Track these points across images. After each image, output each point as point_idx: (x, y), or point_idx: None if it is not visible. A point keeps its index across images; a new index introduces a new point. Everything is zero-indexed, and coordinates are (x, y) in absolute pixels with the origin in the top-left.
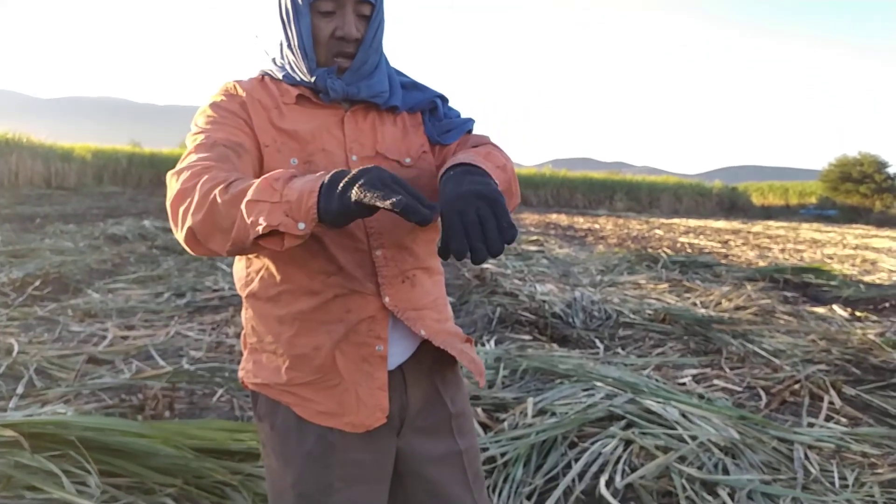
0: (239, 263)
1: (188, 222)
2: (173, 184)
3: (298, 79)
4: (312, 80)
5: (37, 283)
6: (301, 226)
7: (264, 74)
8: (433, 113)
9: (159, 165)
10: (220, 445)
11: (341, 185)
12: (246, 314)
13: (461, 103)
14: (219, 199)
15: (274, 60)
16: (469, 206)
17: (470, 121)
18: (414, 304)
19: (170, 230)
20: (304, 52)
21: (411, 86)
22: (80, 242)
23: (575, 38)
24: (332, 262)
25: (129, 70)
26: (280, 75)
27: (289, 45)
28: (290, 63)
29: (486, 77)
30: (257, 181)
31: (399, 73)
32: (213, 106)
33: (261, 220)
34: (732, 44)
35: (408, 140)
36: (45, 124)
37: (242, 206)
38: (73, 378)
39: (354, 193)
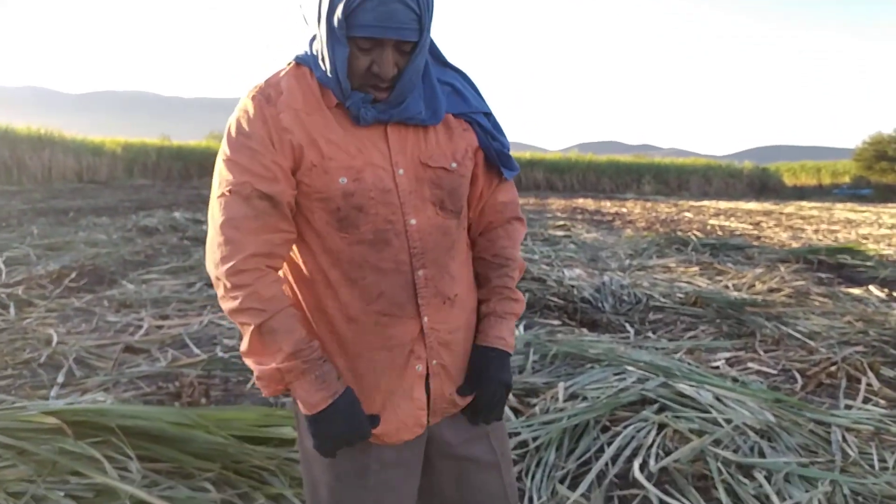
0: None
1: (220, 293)
2: (215, 233)
3: (332, 85)
4: (347, 103)
5: (73, 275)
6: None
7: (301, 63)
8: (481, 126)
9: (187, 157)
10: (256, 431)
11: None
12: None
13: (488, 88)
14: (248, 329)
15: (316, 50)
16: (500, 393)
17: (518, 169)
18: (449, 325)
19: (200, 221)
20: (337, 78)
21: (457, 92)
22: (113, 235)
23: (600, 20)
24: (372, 289)
25: (156, 64)
26: (318, 73)
27: (322, 59)
28: (324, 64)
29: (512, 61)
30: (278, 365)
31: (453, 68)
32: (252, 122)
33: (262, 390)
34: (760, 26)
35: (453, 143)
36: (76, 119)
37: (255, 373)
38: (111, 367)
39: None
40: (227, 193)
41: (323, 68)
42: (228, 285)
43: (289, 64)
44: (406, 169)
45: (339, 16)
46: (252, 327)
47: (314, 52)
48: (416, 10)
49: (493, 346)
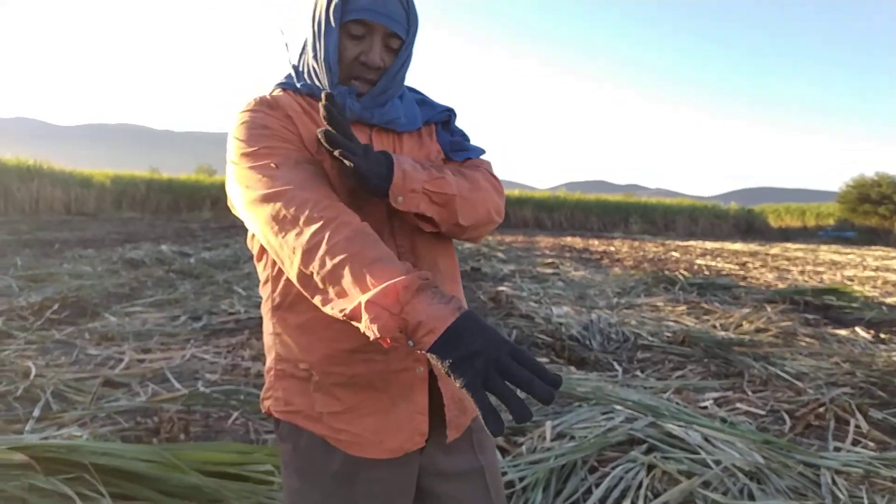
0: (265, 286)
1: (298, 257)
2: (272, 208)
3: (316, 87)
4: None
5: (55, 307)
6: (410, 343)
7: (285, 88)
8: (445, 126)
9: (177, 190)
10: (236, 469)
11: (467, 355)
12: (273, 338)
13: (478, 126)
14: (328, 264)
15: (295, 67)
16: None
17: (481, 150)
18: None
19: (187, 254)
20: (328, 66)
21: (422, 102)
22: (98, 267)
23: (590, 61)
24: None
25: (148, 97)
26: (299, 85)
27: (314, 56)
28: (311, 70)
29: (502, 101)
30: (383, 283)
31: (411, 90)
32: (263, 119)
33: (375, 329)
34: (740, 65)
35: (424, 149)
36: (66, 151)
37: (362, 301)
38: (89, 401)
39: (480, 378)
40: (274, 167)
41: (309, 72)
42: (310, 232)
43: (273, 90)
44: None
45: (337, 1)
46: (346, 256)
47: (301, 67)
48: (405, 7)
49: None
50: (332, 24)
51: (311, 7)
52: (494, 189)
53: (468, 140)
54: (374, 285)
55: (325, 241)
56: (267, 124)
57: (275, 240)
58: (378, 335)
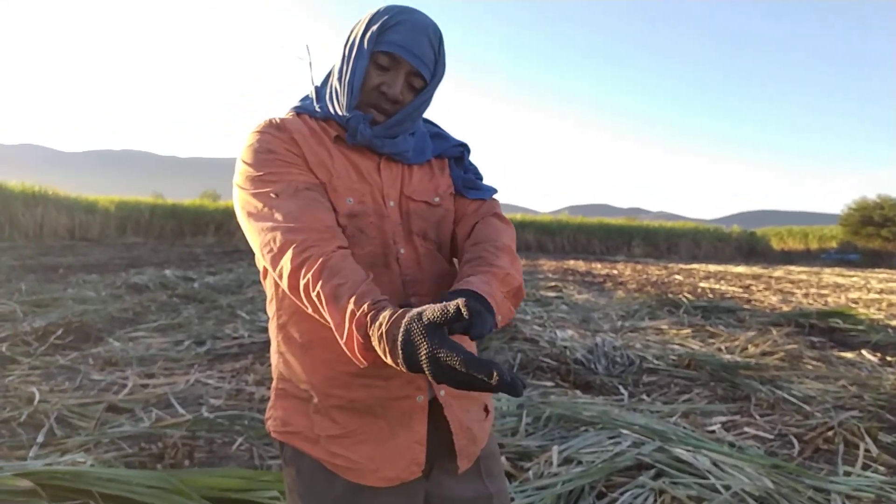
0: (271, 304)
1: (288, 279)
2: (272, 237)
3: (333, 112)
4: (348, 116)
5: (59, 332)
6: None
7: (299, 112)
8: (458, 161)
9: (181, 216)
10: (241, 494)
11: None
12: (277, 357)
13: (481, 150)
14: (322, 302)
15: (316, 89)
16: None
17: (493, 190)
18: None
19: (191, 279)
20: (350, 88)
21: (436, 135)
22: (102, 292)
23: (589, 87)
24: None
25: (153, 124)
26: (317, 107)
27: (339, 78)
28: (333, 92)
29: (504, 125)
30: (339, 321)
31: (427, 121)
32: (270, 142)
33: (358, 356)
34: (740, 89)
35: (434, 181)
36: (71, 177)
37: (344, 331)
38: (93, 427)
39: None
40: (274, 196)
41: (330, 94)
42: (297, 263)
43: (288, 113)
44: (395, 201)
45: (374, 30)
46: (318, 290)
47: (314, 87)
48: (436, 52)
49: (472, 290)
50: (364, 50)
51: (347, 31)
52: (512, 239)
53: (481, 178)
54: (338, 324)
55: (302, 276)
56: (272, 148)
57: (269, 266)
58: (361, 361)
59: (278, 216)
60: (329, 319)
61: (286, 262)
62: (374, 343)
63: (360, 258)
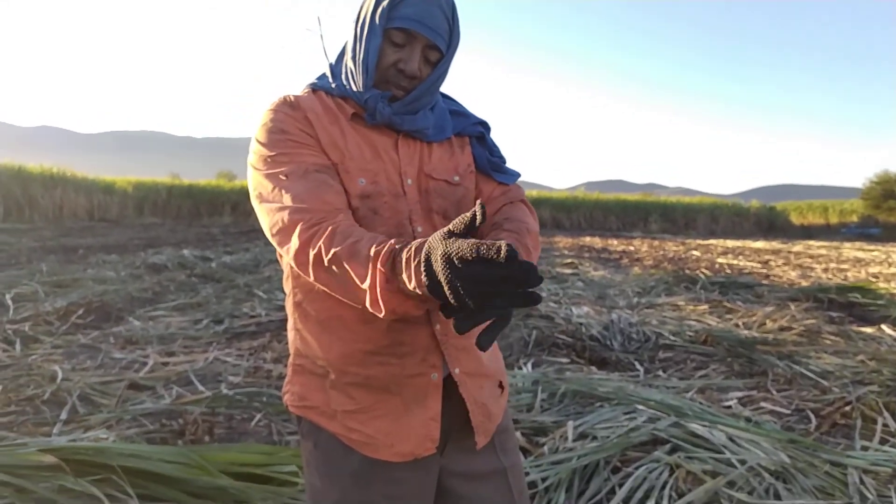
0: (287, 282)
1: (298, 257)
2: (280, 218)
3: (350, 90)
4: (365, 97)
5: (80, 312)
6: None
7: (315, 89)
8: (480, 140)
9: (197, 196)
10: (260, 470)
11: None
12: (294, 333)
13: (496, 127)
14: (339, 262)
15: (330, 66)
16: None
17: (517, 175)
18: None
19: (208, 258)
20: (365, 67)
21: (456, 113)
22: (121, 272)
23: (608, 59)
24: None
25: (168, 104)
26: (333, 85)
27: (353, 57)
28: (348, 72)
29: (520, 101)
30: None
31: (446, 97)
32: (283, 122)
33: (380, 301)
34: (760, 59)
35: (454, 160)
36: (88, 159)
37: (367, 274)
38: (114, 404)
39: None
40: (284, 178)
41: (346, 74)
42: (305, 238)
43: (304, 90)
44: (413, 179)
45: (385, 5)
46: (332, 256)
47: (337, 69)
48: (450, 22)
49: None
50: (377, 27)
51: (356, 8)
52: (537, 228)
53: (505, 161)
54: (359, 273)
55: (312, 247)
56: (285, 128)
57: (277, 246)
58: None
59: (287, 198)
60: (348, 280)
61: (294, 239)
62: (402, 267)
63: None
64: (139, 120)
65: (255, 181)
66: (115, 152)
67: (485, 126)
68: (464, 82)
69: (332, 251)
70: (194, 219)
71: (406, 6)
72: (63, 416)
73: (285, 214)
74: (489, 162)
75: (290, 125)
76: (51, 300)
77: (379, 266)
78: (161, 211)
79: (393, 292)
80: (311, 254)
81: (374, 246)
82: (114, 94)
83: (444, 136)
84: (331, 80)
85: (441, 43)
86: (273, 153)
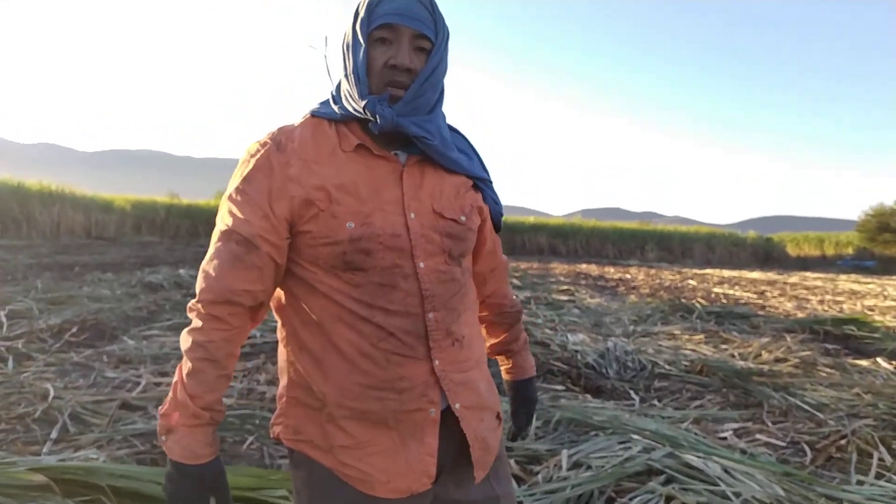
0: (280, 311)
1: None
2: (203, 264)
3: (352, 109)
4: (363, 104)
5: (74, 330)
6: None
7: (316, 115)
8: (485, 184)
9: (196, 216)
10: (252, 493)
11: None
12: (287, 364)
13: (493, 152)
14: (182, 371)
15: (332, 94)
16: (533, 409)
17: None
18: (460, 365)
19: None
20: (357, 77)
21: (463, 150)
22: (117, 290)
23: (603, 87)
24: (382, 329)
25: (168, 123)
26: (336, 108)
27: (345, 75)
28: (346, 93)
29: (518, 127)
30: (171, 417)
31: (454, 131)
32: (255, 171)
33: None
34: (756, 96)
35: (461, 199)
36: (87, 176)
37: (169, 401)
38: (106, 424)
39: None
40: (220, 233)
41: (345, 96)
42: (200, 313)
43: (304, 117)
44: (418, 214)
45: (363, 15)
46: (191, 361)
47: (332, 92)
48: (430, 10)
49: (533, 376)
50: (360, 36)
51: (342, 32)
52: (505, 264)
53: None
54: (171, 398)
55: (189, 332)
56: (251, 180)
57: (197, 286)
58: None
59: (211, 258)
60: (177, 379)
61: (198, 309)
62: (162, 436)
63: (363, 281)
64: (139, 139)
65: (223, 200)
66: (114, 170)
67: (487, 182)
68: (463, 109)
69: (185, 357)
70: (192, 238)
71: (382, 5)
72: (53, 434)
73: (202, 275)
74: (496, 213)
75: (258, 179)
76: (45, 317)
77: (176, 412)
78: (159, 230)
79: (163, 425)
80: (185, 332)
81: (195, 400)
82: (114, 112)
83: (447, 148)
84: (334, 106)
85: (427, 31)
86: (231, 193)
